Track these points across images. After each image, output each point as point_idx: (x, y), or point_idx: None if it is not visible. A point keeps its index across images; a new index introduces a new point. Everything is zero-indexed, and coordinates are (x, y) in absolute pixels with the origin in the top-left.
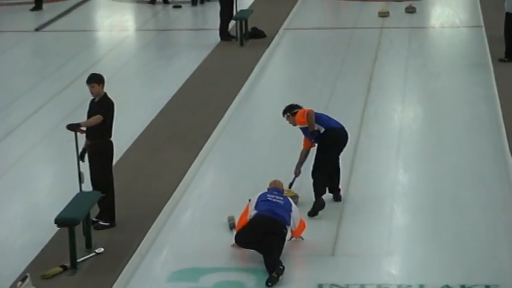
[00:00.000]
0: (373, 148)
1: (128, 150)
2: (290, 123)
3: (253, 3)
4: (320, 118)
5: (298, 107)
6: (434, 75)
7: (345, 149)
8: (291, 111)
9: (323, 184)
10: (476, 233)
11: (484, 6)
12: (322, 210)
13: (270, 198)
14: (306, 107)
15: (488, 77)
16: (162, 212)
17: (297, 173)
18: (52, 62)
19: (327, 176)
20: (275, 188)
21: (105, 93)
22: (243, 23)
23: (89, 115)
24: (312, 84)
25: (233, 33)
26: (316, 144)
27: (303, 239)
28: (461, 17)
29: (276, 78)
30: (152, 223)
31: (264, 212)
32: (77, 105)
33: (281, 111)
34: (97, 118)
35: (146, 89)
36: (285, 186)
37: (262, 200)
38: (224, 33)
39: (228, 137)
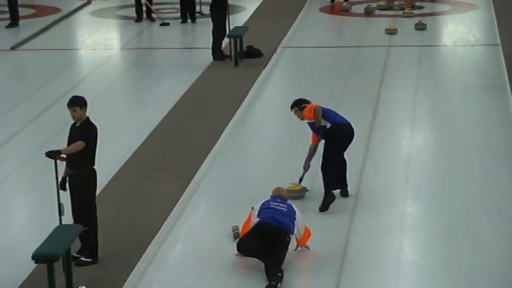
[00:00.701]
0: (380, 177)
1: (112, 179)
2: (298, 117)
3: (249, 19)
4: (327, 113)
5: (306, 101)
6: (446, 97)
7: (349, 180)
8: (299, 105)
9: (333, 179)
10: (492, 270)
11: (501, 23)
12: (331, 205)
13: (273, 206)
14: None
15: (505, 99)
16: (149, 247)
17: (306, 167)
18: (30, 83)
19: (335, 171)
20: (278, 196)
21: (88, 118)
22: (238, 41)
23: (70, 141)
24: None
25: (227, 52)
26: (323, 140)
27: (308, 248)
28: (476, 35)
29: (273, 101)
30: (139, 259)
31: (267, 219)
32: (57, 130)
33: (279, 132)
34: (79, 144)
35: (132, 112)
36: (287, 184)
37: (265, 207)
38: (217, 52)
39: (221, 165)
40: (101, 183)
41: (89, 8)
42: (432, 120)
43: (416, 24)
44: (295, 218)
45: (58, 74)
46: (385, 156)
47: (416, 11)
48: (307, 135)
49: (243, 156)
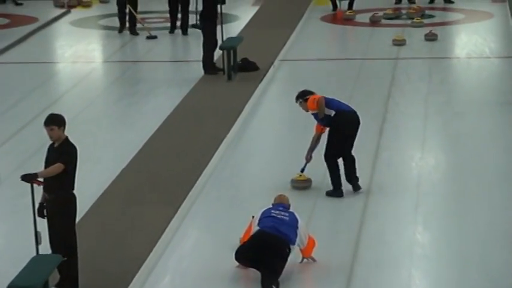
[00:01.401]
0: (387, 202)
1: (94, 205)
2: (303, 109)
3: (243, 29)
4: (331, 103)
5: (310, 92)
6: (459, 115)
7: (354, 204)
8: (303, 97)
9: (338, 175)
10: None
11: None
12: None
13: (274, 214)
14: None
15: None
16: (135, 280)
17: (308, 158)
18: (3, 99)
19: (337, 163)
20: (280, 204)
21: (67, 137)
22: (231, 53)
23: (48, 163)
24: (313, 125)
25: (219, 65)
26: (328, 128)
27: (314, 260)
28: (491, 46)
29: (270, 119)
30: None
31: (267, 228)
32: (33, 151)
33: (276, 155)
34: (57, 167)
35: (116, 131)
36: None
37: (265, 216)
38: (209, 65)
39: (213, 190)
40: (82, 209)
41: (68, 17)
42: (444, 140)
43: (426, 35)
44: (297, 227)
45: (34, 90)
46: (393, 179)
47: (426, 20)
48: (302, 159)
49: (237, 180)
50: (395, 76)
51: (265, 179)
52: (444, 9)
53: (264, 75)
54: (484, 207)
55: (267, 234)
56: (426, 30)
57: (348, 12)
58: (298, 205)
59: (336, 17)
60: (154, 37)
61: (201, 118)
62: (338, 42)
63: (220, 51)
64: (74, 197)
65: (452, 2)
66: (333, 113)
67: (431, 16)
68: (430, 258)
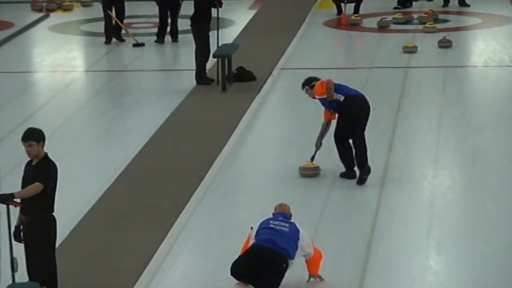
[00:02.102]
0: (397, 224)
1: (75, 229)
2: (309, 96)
3: (239, 35)
4: (339, 87)
5: (316, 79)
6: (476, 129)
7: (360, 227)
8: (309, 83)
9: (350, 155)
10: None
11: None
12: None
13: (273, 226)
14: (308, 179)
15: None
16: None
17: (318, 145)
18: None
19: (348, 147)
20: (281, 213)
21: (46, 154)
22: (226, 61)
23: (25, 182)
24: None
25: (213, 75)
26: (337, 114)
27: (322, 279)
28: (511, 53)
29: (268, 134)
30: None
31: (263, 242)
32: (9, 169)
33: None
34: (35, 187)
35: (99, 148)
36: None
37: (263, 227)
38: (201, 75)
39: (206, 212)
40: (62, 233)
41: (47, 22)
42: (459, 157)
43: (440, 41)
44: (298, 239)
45: (9, 102)
46: (403, 200)
47: (439, 25)
48: (307, 179)
49: (232, 201)
50: (406, 86)
51: (262, 199)
52: (459, 13)
53: (262, 85)
54: (503, 231)
55: (263, 249)
56: (439, 36)
57: (353, 17)
58: (302, 216)
59: (341, 22)
60: (142, 44)
61: (193, 133)
62: (343, 49)
63: (214, 60)
64: (53, 220)
65: (468, 5)
66: (342, 98)
67: (445, 21)
68: (444, 286)
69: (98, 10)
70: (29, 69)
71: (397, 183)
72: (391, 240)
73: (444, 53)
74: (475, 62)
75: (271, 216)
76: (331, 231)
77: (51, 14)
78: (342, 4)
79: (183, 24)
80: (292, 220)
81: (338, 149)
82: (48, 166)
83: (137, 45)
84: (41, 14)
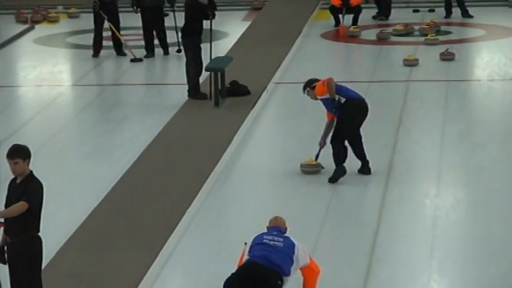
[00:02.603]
0: (397, 245)
1: (61, 250)
2: (311, 98)
3: (233, 48)
4: (340, 89)
5: (316, 80)
6: (480, 145)
7: (359, 248)
8: (310, 85)
9: (342, 152)
10: None
11: None
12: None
13: (267, 241)
14: (305, 198)
15: None
16: None
17: (322, 144)
18: None
19: (344, 145)
20: (275, 227)
21: (31, 172)
22: (219, 75)
23: (9, 201)
24: (313, 158)
25: (205, 89)
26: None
27: None
28: None
29: (263, 150)
30: None
31: (257, 258)
32: None
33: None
34: (20, 206)
35: (87, 165)
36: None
37: (257, 243)
38: (193, 89)
39: (197, 233)
40: (48, 254)
41: (32, 34)
42: (463, 174)
43: (442, 54)
44: (293, 253)
45: None
46: (404, 219)
47: (441, 37)
48: (304, 197)
49: (225, 221)
50: (407, 101)
51: (257, 219)
52: (462, 24)
53: (256, 100)
54: (509, 252)
55: (257, 266)
56: (442, 48)
57: (352, 28)
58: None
59: (339, 34)
60: (140, 60)
61: (184, 150)
62: (341, 62)
63: (207, 73)
64: (39, 240)
65: (471, 16)
66: (343, 100)
67: (447, 32)
68: None
69: (85, 22)
70: (13, 84)
71: (398, 201)
72: (391, 261)
73: (447, 66)
74: (478, 76)
75: (265, 231)
76: (329, 251)
77: (37, 26)
78: (340, 15)
79: (172, 36)
80: (287, 234)
81: (333, 148)
82: (34, 184)
83: (135, 60)
84: (26, 26)
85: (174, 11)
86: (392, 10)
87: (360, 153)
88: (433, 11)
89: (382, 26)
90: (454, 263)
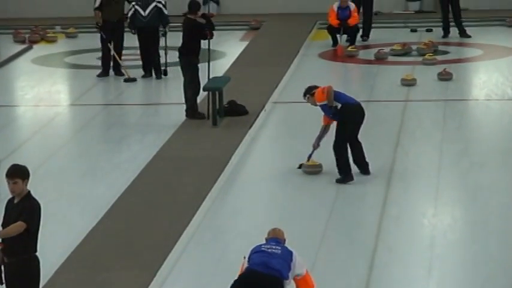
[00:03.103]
0: (395, 265)
1: (59, 270)
2: (311, 104)
3: (231, 67)
4: (338, 95)
5: (316, 87)
6: (478, 165)
7: (357, 268)
8: (310, 92)
9: (346, 161)
10: None
11: None
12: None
13: (265, 249)
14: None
15: None
16: None
17: (315, 146)
18: None
19: (346, 152)
20: (273, 239)
21: (29, 192)
22: (217, 95)
23: (7, 221)
24: (311, 177)
25: (203, 109)
26: (335, 121)
27: None
28: None
29: (261, 170)
30: None
31: (256, 266)
32: None
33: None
34: (18, 226)
35: (85, 184)
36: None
37: (255, 251)
38: (191, 109)
39: (196, 252)
40: (45, 274)
41: (30, 54)
42: (461, 194)
43: (439, 74)
44: (291, 260)
45: None
46: (402, 239)
47: (439, 57)
48: (302, 217)
49: (223, 240)
50: (405, 121)
51: (255, 238)
52: (460, 44)
53: (254, 120)
54: (508, 274)
55: (257, 273)
56: (439, 68)
57: (349, 48)
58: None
59: (337, 54)
60: (133, 80)
61: (182, 170)
62: (339, 82)
63: (204, 93)
64: (36, 260)
65: (469, 36)
66: (339, 105)
67: (445, 52)
68: None
69: (83, 42)
70: (12, 103)
71: (396, 221)
72: (389, 281)
73: (444, 86)
74: (476, 95)
75: (263, 242)
76: (326, 271)
77: (35, 46)
78: (338, 35)
79: (169, 56)
80: (285, 245)
81: (336, 155)
82: (32, 204)
83: (129, 80)
84: (24, 46)
85: (165, 32)
86: (391, 30)
87: (359, 158)
88: (430, 30)
89: (380, 46)
90: (452, 283)
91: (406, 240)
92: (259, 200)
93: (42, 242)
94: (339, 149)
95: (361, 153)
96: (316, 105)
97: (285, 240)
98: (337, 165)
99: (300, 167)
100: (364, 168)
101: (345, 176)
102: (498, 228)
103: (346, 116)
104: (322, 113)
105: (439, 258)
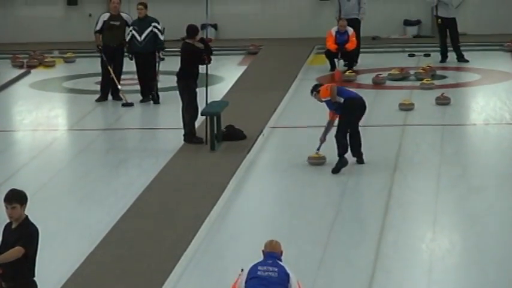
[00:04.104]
0: None
1: None
2: (317, 100)
3: (228, 92)
4: (341, 91)
5: (321, 84)
6: (476, 190)
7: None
8: (316, 89)
9: (344, 144)
10: None
11: None
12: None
13: (261, 273)
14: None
15: None
16: None
17: (322, 139)
18: None
19: (346, 138)
20: (271, 254)
21: (27, 217)
22: (215, 119)
23: (5, 247)
24: (309, 202)
25: (201, 133)
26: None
27: None
28: None
29: (259, 195)
30: None
31: None
32: None
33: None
34: (16, 251)
35: (83, 210)
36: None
37: (252, 276)
38: (189, 134)
39: (193, 278)
40: None
41: (28, 79)
42: (459, 219)
43: (437, 98)
44: (289, 282)
45: None
46: (400, 264)
47: (437, 82)
48: (299, 241)
49: (221, 265)
50: (403, 145)
51: (253, 263)
52: (458, 68)
53: (252, 145)
54: None
55: None
56: (437, 92)
57: (347, 73)
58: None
59: (334, 78)
60: (131, 104)
61: (180, 195)
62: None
63: (202, 118)
64: (34, 285)
65: (467, 61)
66: (342, 100)
67: (443, 77)
68: None
69: (81, 66)
70: (9, 128)
71: (394, 245)
72: None
73: (442, 111)
74: (474, 120)
75: (261, 260)
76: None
77: (33, 71)
78: (335, 60)
79: (166, 81)
80: (282, 263)
81: (337, 142)
82: (30, 229)
83: (126, 104)
84: (22, 71)
85: (159, 57)
86: (388, 54)
87: (356, 146)
88: (428, 55)
89: (378, 71)
90: None
91: (404, 264)
92: (257, 224)
93: (40, 266)
94: (340, 138)
95: (358, 143)
96: (321, 101)
97: (281, 252)
98: (338, 151)
99: (318, 149)
100: (359, 158)
101: (340, 161)
102: (496, 254)
103: (348, 110)
104: (319, 135)
105: (437, 283)
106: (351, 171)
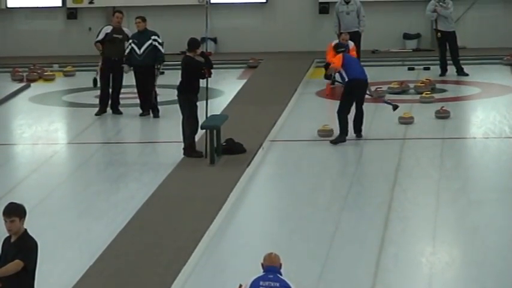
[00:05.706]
0: None
1: None
2: (330, 73)
3: (228, 106)
4: (349, 67)
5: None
6: (475, 204)
7: None
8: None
9: (345, 127)
10: None
11: None
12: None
13: None
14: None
15: None
16: None
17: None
18: None
19: (347, 120)
20: (270, 268)
21: (26, 230)
22: (215, 133)
23: (4, 260)
24: (309, 216)
25: (201, 147)
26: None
27: None
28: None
29: (259, 208)
30: None
31: None
32: None
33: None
34: (15, 264)
35: (82, 224)
36: None
37: None
38: (189, 147)
39: None
40: None
41: (28, 93)
42: (458, 233)
43: (437, 112)
44: None
45: None
46: (400, 278)
47: (437, 95)
48: (297, 256)
49: (220, 280)
50: (403, 159)
51: (252, 278)
52: (457, 82)
53: (252, 158)
54: None
55: None
56: (437, 106)
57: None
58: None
59: (334, 92)
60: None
61: (179, 209)
62: (336, 120)
63: (202, 131)
64: None
65: (467, 75)
66: (346, 78)
67: (442, 90)
68: None
69: (80, 80)
70: (9, 142)
71: (394, 259)
72: None
73: (442, 124)
74: (474, 134)
75: (261, 274)
76: None
77: (32, 84)
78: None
79: (166, 94)
80: (282, 276)
81: (339, 119)
82: (29, 243)
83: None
84: (22, 84)
85: (158, 69)
86: (388, 68)
87: (357, 123)
88: (428, 69)
89: (378, 84)
90: None
91: (404, 278)
92: (257, 238)
93: (39, 280)
94: (341, 119)
95: (360, 121)
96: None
97: (281, 264)
98: (340, 126)
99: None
100: (358, 133)
101: (340, 137)
102: (496, 267)
103: (351, 89)
104: (318, 149)
105: None
106: (350, 184)
